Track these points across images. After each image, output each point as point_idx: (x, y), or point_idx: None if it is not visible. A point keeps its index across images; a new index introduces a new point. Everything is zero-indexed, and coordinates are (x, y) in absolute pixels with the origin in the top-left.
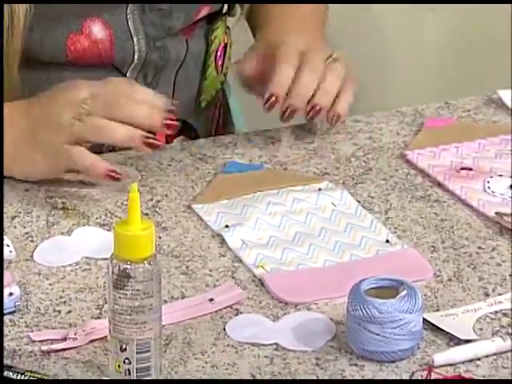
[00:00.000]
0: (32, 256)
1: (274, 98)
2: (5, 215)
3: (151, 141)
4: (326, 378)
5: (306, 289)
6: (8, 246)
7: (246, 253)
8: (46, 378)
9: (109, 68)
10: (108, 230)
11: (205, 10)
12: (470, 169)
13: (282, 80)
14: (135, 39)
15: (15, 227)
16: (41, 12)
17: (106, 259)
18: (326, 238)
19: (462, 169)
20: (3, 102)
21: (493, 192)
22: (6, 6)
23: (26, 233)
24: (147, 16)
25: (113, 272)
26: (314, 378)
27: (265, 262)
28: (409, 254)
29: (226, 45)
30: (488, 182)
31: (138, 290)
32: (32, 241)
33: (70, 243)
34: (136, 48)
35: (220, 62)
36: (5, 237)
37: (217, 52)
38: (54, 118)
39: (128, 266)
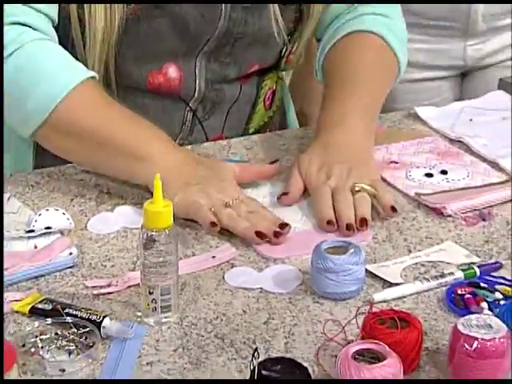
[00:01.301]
0: (86, 226)
1: (331, 225)
2: (66, 197)
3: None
4: (297, 311)
5: (282, 248)
6: (68, 219)
7: None
8: (97, 313)
9: (176, 98)
10: (140, 208)
11: (255, 67)
12: (397, 162)
13: (327, 209)
14: (197, 81)
15: (74, 206)
16: (134, 52)
17: (138, 228)
18: (295, 211)
19: (391, 162)
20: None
21: (413, 178)
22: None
23: (81, 210)
24: (211, 65)
25: (143, 237)
26: (288, 312)
27: None
28: None
29: (274, 91)
30: (409, 171)
31: (161, 250)
32: (85, 215)
33: (113, 217)
34: (197, 88)
35: (268, 103)
36: (66, 212)
37: (266, 95)
38: (210, 190)
39: (154, 233)
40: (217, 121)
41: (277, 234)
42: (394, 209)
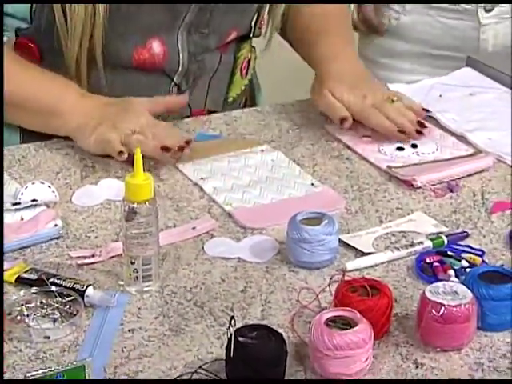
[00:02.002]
0: (71, 199)
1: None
2: (51, 171)
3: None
4: (273, 280)
5: (259, 219)
6: (53, 192)
7: (217, 195)
8: (80, 282)
9: (160, 73)
10: (122, 181)
11: (233, 34)
12: (370, 136)
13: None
14: (181, 55)
15: (59, 179)
16: (118, 29)
17: (120, 201)
18: (270, 182)
19: (364, 136)
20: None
21: (384, 152)
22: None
23: (67, 183)
24: (192, 37)
25: (124, 209)
26: (265, 281)
27: (231, 201)
28: (328, 193)
29: (249, 60)
30: (381, 145)
31: (142, 221)
32: (70, 188)
33: (97, 190)
34: (181, 62)
35: (244, 71)
36: (51, 185)
37: (242, 64)
38: (118, 123)
39: (135, 205)
40: (200, 93)
41: (180, 148)
42: (426, 110)
